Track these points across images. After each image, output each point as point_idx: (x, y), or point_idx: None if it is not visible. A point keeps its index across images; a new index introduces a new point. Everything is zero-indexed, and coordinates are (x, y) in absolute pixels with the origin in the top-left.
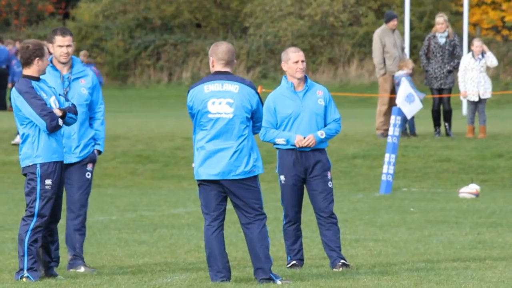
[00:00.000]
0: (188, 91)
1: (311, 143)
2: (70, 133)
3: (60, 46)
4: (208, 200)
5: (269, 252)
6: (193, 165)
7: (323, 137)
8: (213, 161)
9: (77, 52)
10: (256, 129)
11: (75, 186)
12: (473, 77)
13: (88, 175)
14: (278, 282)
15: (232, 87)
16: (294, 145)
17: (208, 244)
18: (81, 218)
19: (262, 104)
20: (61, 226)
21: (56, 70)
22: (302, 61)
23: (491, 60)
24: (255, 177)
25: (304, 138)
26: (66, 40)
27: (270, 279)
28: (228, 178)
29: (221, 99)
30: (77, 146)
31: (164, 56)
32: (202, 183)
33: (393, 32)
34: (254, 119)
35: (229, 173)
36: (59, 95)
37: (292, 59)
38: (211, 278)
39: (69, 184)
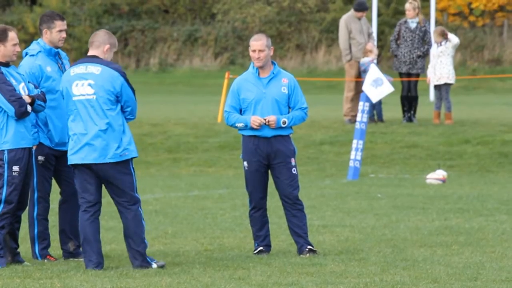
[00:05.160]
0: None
1: (270, 123)
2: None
3: (61, 30)
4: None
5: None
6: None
7: (284, 125)
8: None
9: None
10: (127, 114)
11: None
12: (433, 63)
13: None
14: (154, 265)
15: (95, 69)
16: (254, 129)
17: (84, 230)
18: None
19: (133, 91)
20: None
21: (55, 56)
22: (260, 51)
23: (454, 38)
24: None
25: (263, 118)
26: (65, 24)
27: (146, 264)
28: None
29: (85, 81)
30: None
31: (131, 42)
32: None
33: (360, 18)
34: (122, 104)
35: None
36: (28, 82)
37: (251, 47)
38: (85, 265)
39: (69, 173)
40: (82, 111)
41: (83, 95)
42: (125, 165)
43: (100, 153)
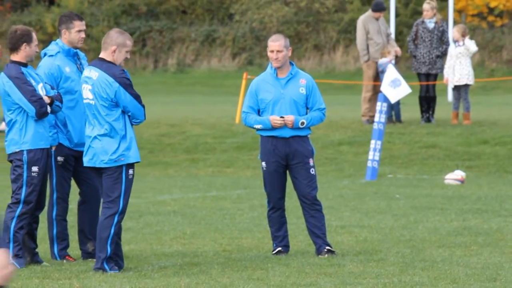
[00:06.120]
0: None
1: (288, 122)
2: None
3: (79, 31)
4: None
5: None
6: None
7: (303, 126)
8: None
9: None
10: (131, 118)
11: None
12: (451, 64)
13: None
14: (111, 272)
15: (94, 74)
16: (273, 128)
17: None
18: None
19: (133, 95)
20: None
21: (74, 56)
22: (278, 51)
23: (473, 45)
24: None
25: (281, 117)
26: (84, 24)
27: (102, 269)
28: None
29: (87, 85)
30: None
31: (149, 43)
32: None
33: (377, 19)
34: (122, 109)
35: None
36: (45, 83)
37: (269, 48)
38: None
39: (88, 174)
40: (88, 114)
41: (87, 99)
42: (118, 171)
43: (97, 157)
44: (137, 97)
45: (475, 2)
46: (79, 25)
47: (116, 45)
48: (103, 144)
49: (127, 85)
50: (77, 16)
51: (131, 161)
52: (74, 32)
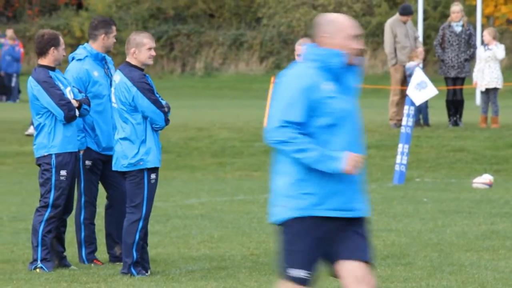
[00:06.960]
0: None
1: None
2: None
3: (114, 35)
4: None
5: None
6: None
7: None
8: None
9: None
10: (151, 123)
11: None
12: (480, 67)
13: None
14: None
15: (117, 77)
16: None
17: None
18: None
19: (151, 100)
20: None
21: (102, 61)
22: None
23: (500, 52)
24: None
25: None
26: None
27: (129, 273)
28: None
29: (112, 89)
30: None
31: (177, 47)
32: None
33: (405, 22)
34: (140, 113)
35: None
36: (73, 86)
37: (296, 51)
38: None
39: (116, 178)
40: (115, 117)
41: (113, 102)
42: (140, 176)
43: (117, 160)
44: (155, 102)
45: (502, 11)
46: (115, 29)
47: (134, 46)
48: (123, 148)
49: (146, 90)
50: (112, 21)
51: (149, 165)
52: (112, 37)
